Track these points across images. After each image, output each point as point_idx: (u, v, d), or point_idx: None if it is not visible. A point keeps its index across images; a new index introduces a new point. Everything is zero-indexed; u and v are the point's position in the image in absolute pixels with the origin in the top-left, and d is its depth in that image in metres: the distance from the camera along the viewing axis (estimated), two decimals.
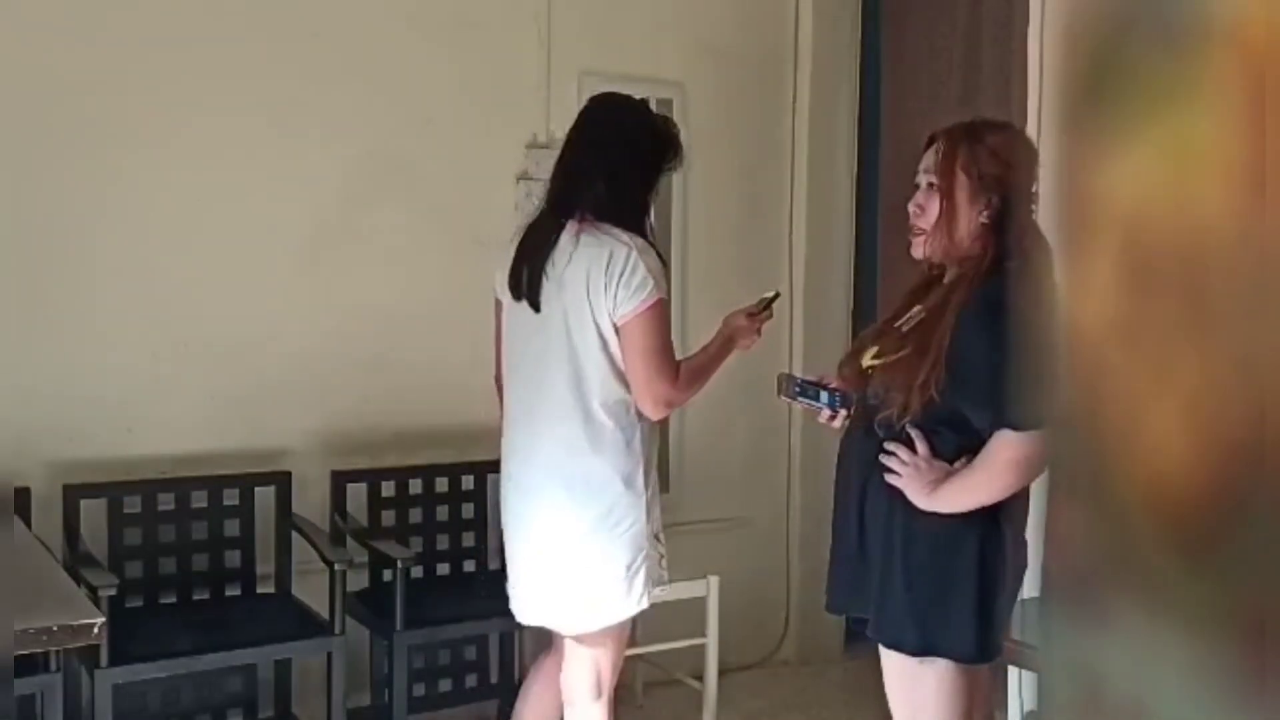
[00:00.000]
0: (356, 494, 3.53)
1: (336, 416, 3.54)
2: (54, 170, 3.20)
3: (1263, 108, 0.47)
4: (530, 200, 3.80)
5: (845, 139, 4.41)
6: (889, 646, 2.28)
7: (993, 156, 2.24)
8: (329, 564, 3.15)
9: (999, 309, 2.12)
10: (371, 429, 3.34)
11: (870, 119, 4.47)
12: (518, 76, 3.82)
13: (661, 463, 4.19)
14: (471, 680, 3.70)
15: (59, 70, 3.19)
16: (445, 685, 3.66)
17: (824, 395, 2.46)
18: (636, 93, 4.11)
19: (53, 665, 2.63)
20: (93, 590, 2.77)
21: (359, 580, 3.43)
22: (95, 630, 2.20)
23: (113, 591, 2.83)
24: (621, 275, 2.56)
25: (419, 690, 3.53)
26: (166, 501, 3.30)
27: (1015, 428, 2.11)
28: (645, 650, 3.76)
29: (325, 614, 3.16)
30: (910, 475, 2.22)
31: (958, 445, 2.22)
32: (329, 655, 3.12)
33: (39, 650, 2.40)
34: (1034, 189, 2.24)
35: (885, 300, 4.05)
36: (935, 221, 2.28)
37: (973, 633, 2.20)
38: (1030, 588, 3.57)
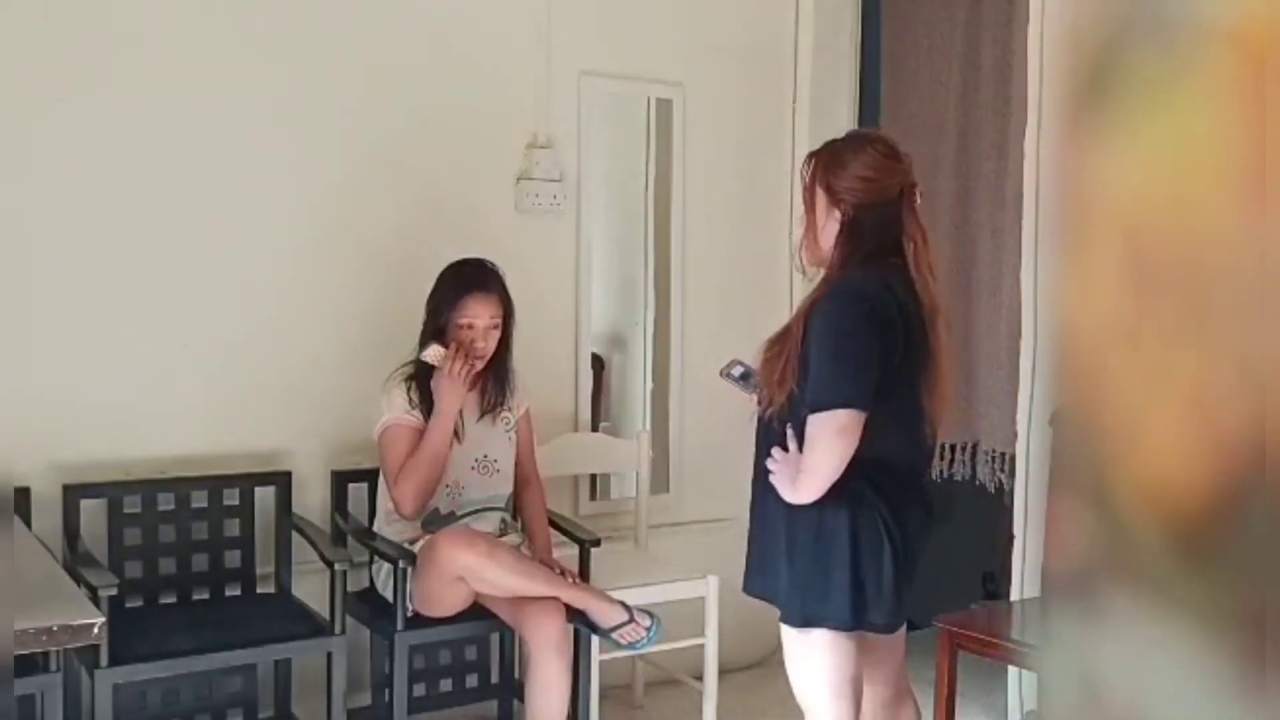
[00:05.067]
0: (357, 494, 3.53)
1: (336, 416, 3.54)
2: (53, 170, 3.20)
3: (1262, 108, 0.47)
4: (530, 199, 3.80)
5: None
6: (782, 621, 2.50)
7: (843, 171, 2.49)
8: (329, 564, 3.15)
9: (833, 305, 2.39)
10: (372, 429, 3.34)
11: (870, 119, 4.47)
12: (518, 76, 3.82)
13: (661, 462, 4.20)
14: (471, 680, 3.70)
15: (59, 69, 3.19)
16: (445, 685, 3.66)
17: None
18: (637, 93, 4.15)
19: (53, 665, 2.63)
20: (93, 590, 2.77)
21: (359, 580, 3.44)
22: (95, 630, 2.20)
23: (113, 591, 2.83)
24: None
25: (419, 690, 3.53)
26: (166, 501, 3.30)
27: (814, 410, 2.34)
28: (645, 650, 3.76)
29: (325, 614, 3.17)
30: (779, 472, 2.43)
31: None
32: (329, 655, 3.11)
33: (39, 650, 2.40)
34: (905, 190, 2.48)
35: None
36: (804, 233, 2.56)
37: (848, 604, 2.39)
38: (1031, 588, 3.58)
